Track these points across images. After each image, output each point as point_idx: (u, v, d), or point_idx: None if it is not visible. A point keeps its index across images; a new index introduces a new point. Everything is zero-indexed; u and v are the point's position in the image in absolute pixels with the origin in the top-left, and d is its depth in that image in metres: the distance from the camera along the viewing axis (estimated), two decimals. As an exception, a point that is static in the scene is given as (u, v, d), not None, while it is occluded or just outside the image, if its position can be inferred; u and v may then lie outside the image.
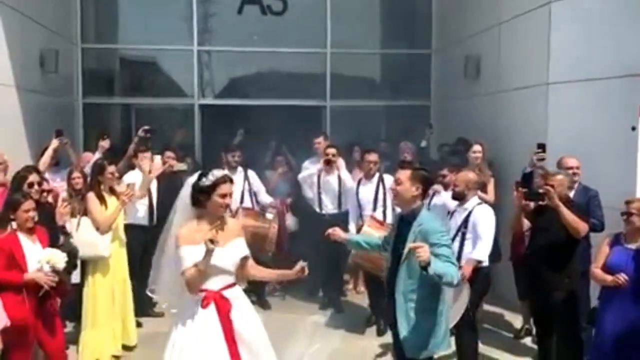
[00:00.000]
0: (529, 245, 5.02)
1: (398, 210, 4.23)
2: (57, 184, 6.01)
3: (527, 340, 5.84)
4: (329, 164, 6.58)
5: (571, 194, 4.99)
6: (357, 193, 6.33)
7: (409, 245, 3.44)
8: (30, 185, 4.65)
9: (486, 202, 5.32)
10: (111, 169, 5.41)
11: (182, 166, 6.73)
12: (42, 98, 7.32)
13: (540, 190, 4.62)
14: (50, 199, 5.17)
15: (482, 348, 5.18)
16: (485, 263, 4.79)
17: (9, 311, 3.98)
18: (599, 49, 5.74)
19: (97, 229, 5.13)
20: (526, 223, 5.00)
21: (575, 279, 4.62)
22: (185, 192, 3.45)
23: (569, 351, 4.64)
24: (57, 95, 8.00)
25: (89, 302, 5.21)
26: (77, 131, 8.74)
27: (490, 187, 6.27)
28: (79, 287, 5.20)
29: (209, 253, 3.19)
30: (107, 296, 5.25)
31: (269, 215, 6.61)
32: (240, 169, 6.80)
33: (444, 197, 5.74)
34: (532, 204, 4.81)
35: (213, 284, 3.37)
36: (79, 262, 4.96)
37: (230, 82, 9.83)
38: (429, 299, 3.58)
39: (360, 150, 7.17)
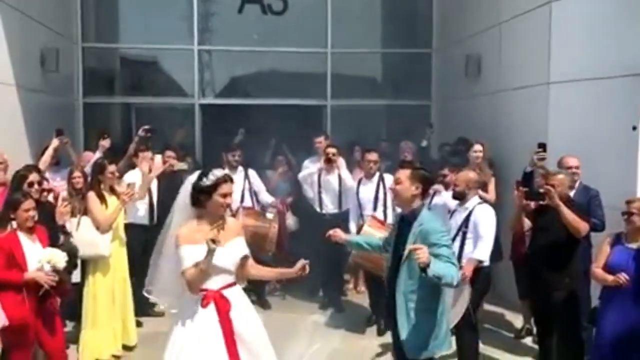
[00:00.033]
0: (529, 245, 5.01)
1: (399, 210, 4.22)
2: (58, 183, 6.01)
3: (528, 340, 5.84)
4: (329, 162, 6.58)
5: (572, 194, 4.99)
6: (357, 192, 6.32)
7: (409, 247, 3.44)
8: (30, 184, 4.65)
9: (487, 201, 5.33)
10: (111, 168, 5.41)
11: (182, 165, 6.72)
12: (42, 97, 7.31)
13: (541, 190, 4.62)
14: (50, 198, 5.18)
15: (483, 348, 5.18)
16: (486, 263, 4.79)
17: (9, 311, 3.99)
18: (600, 49, 5.73)
19: (98, 228, 5.13)
20: (527, 223, 4.99)
21: (576, 279, 4.62)
22: (185, 192, 3.44)
23: (570, 351, 4.64)
24: (58, 95, 8.00)
25: (89, 302, 5.21)
26: (77, 130, 8.73)
27: (491, 186, 6.28)
28: (79, 286, 5.20)
29: (210, 253, 3.18)
30: (107, 296, 5.25)
31: (270, 215, 6.61)
32: (240, 168, 6.81)
33: (444, 197, 5.74)
34: (532, 204, 4.81)
35: (213, 283, 3.37)
36: (79, 262, 4.95)
37: (230, 81, 9.84)
38: (430, 299, 3.57)
39: (360, 149, 7.17)
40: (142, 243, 5.62)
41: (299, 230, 7.15)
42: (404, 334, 3.58)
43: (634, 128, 5.38)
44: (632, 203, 4.29)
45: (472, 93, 8.09)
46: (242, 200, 6.66)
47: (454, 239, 4.73)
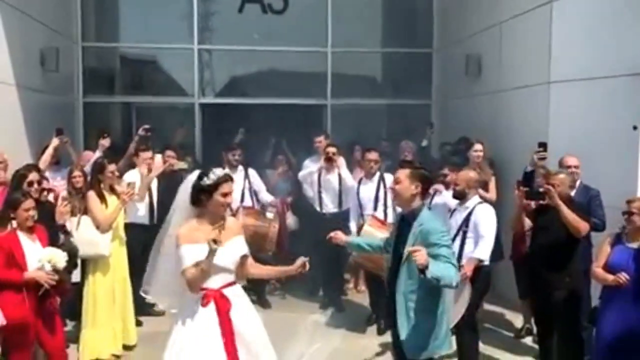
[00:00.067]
0: (530, 244, 5.01)
1: (399, 209, 4.21)
2: (58, 182, 6.01)
3: (528, 340, 5.84)
4: (329, 161, 6.57)
5: (572, 193, 4.98)
6: (357, 192, 6.31)
7: (407, 249, 3.43)
8: (30, 183, 4.64)
9: (487, 200, 5.32)
10: (111, 167, 5.41)
11: (182, 165, 6.72)
12: (42, 97, 7.31)
13: (541, 190, 4.62)
14: (51, 198, 5.17)
15: (483, 347, 5.18)
16: (487, 262, 4.78)
17: (9, 310, 3.99)
18: (601, 48, 5.72)
19: (98, 227, 5.13)
20: (527, 222, 4.99)
21: (576, 278, 4.61)
22: (184, 192, 3.44)
23: (570, 350, 4.64)
24: (58, 94, 7.99)
25: (89, 301, 5.21)
26: (77, 130, 8.73)
27: (492, 186, 6.28)
28: (79, 286, 5.20)
29: (212, 253, 3.19)
30: (107, 295, 5.25)
31: (270, 215, 6.61)
32: (240, 167, 6.81)
33: (445, 197, 5.74)
34: (533, 203, 4.81)
35: (213, 282, 3.37)
36: (79, 261, 4.95)
37: (230, 80, 9.83)
38: (430, 299, 3.56)
39: (361, 149, 7.16)
40: (142, 243, 5.59)
41: (299, 230, 7.15)
42: (403, 334, 3.57)
43: (635, 127, 5.38)
44: (633, 203, 4.28)
45: (472, 92, 8.09)
46: (242, 200, 6.66)
47: (454, 239, 4.73)
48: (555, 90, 6.22)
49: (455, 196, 5.07)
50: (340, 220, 6.36)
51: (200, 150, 9.06)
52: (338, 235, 4.11)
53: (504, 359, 5.45)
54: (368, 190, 6.27)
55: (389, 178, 5.95)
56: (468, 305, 4.63)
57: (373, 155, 6.30)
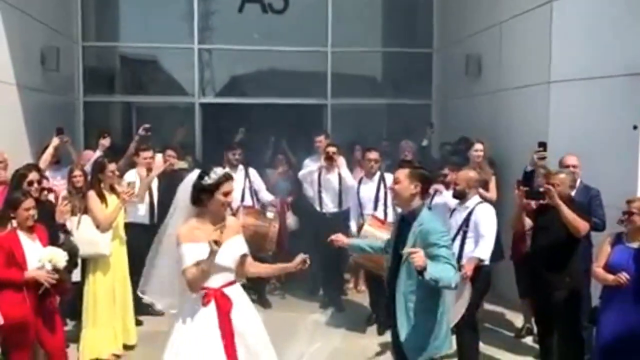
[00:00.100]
0: (530, 244, 5.01)
1: (399, 209, 4.21)
2: (58, 182, 6.01)
3: (528, 340, 5.84)
4: (329, 161, 6.57)
5: (573, 193, 4.98)
6: (358, 192, 6.31)
7: (406, 249, 3.42)
8: (30, 183, 4.64)
9: (487, 200, 5.32)
10: (112, 167, 5.41)
11: (183, 164, 6.72)
12: (42, 96, 7.31)
13: (541, 189, 4.62)
14: (51, 197, 5.17)
15: (483, 347, 5.18)
16: (487, 262, 4.78)
17: (9, 310, 3.99)
18: (601, 48, 5.72)
19: (98, 227, 5.13)
20: (528, 222, 4.99)
21: (577, 278, 4.61)
22: (184, 191, 3.44)
23: (570, 350, 4.64)
24: (58, 94, 8.00)
25: (89, 301, 5.21)
26: (77, 129, 8.73)
27: (492, 185, 6.28)
28: (80, 285, 5.20)
29: (213, 254, 3.19)
30: (107, 295, 5.25)
31: (270, 214, 6.60)
32: (241, 167, 6.81)
33: (445, 196, 5.74)
34: (533, 203, 4.81)
35: (214, 281, 3.37)
36: (79, 261, 4.95)
37: (231, 80, 9.83)
38: (430, 299, 3.55)
39: (361, 148, 7.17)
40: (142, 242, 5.61)
41: (299, 230, 7.16)
42: (403, 335, 3.57)
43: (635, 127, 5.38)
44: (633, 202, 4.29)
45: (472, 92, 8.09)
46: (242, 199, 6.66)
47: (454, 239, 4.73)
48: (555, 90, 6.22)
49: (455, 196, 5.07)
50: (341, 219, 6.36)
51: (200, 150, 9.06)
52: (339, 238, 4.09)
53: (505, 359, 5.45)
54: (368, 190, 6.27)
55: (389, 178, 5.94)
56: (468, 305, 4.63)
57: (373, 155, 6.30)
